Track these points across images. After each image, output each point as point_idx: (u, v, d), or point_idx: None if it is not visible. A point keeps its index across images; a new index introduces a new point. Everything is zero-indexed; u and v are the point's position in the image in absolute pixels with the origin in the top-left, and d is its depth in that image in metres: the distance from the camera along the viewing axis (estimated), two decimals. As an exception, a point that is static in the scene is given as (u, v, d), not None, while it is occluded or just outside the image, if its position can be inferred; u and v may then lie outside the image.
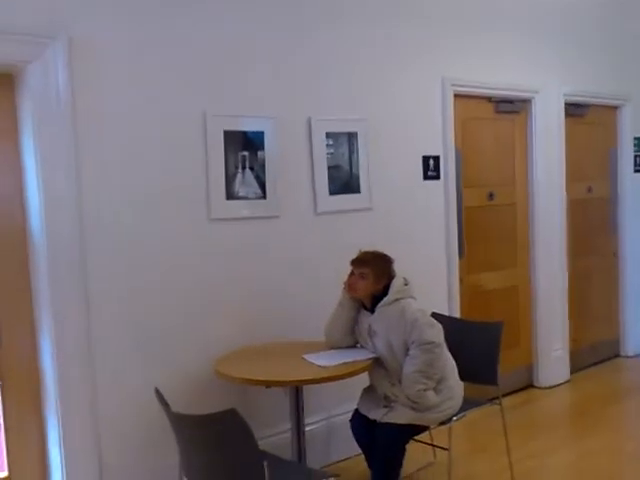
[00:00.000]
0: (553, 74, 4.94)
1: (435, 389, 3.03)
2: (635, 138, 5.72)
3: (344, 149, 3.81)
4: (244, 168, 3.42)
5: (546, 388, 4.98)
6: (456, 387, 3.15)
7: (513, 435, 3.60)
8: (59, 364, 2.87)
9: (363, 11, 3.86)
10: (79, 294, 2.90)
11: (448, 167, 4.33)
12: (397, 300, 3.07)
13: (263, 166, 3.47)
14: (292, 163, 3.59)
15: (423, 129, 4.21)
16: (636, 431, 4.32)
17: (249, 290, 3.44)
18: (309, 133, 3.65)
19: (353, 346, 3.23)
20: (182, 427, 2.47)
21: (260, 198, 3.48)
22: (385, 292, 3.09)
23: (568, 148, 5.11)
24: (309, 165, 3.66)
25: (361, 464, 3.30)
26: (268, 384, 2.95)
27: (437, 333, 3.03)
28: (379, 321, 3.09)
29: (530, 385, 5.00)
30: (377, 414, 3.06)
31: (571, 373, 5.18)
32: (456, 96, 4.35)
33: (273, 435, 3.37)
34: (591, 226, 5.52)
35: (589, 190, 5.47)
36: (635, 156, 5.74)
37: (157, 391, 2.58)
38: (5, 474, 2.93)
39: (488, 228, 4.72)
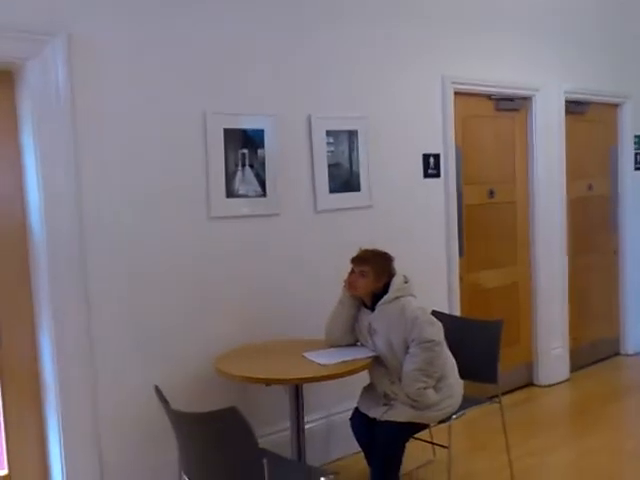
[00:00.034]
0: (553, 72, 4.93)
1: (435, 387, 3.03)
2: (636, 136, 5.71)
3: (344, 147, 3.81)
4: (244, 166, 3.42)
5: (546, 386, 4.98)
6: (456, 385, 3.15)
7: (513, 433, 3.60)
8: (59, 362, 2.86)
9: (363, 9, 3.85)
10: (79, 292, 2.90)
11: (448, 165, 4.33)
12: (397, 298, 3.07)
13: (263, 164, 3.47)
14: (292, 161, 3.59)
15: (423, 127, 4.21)
16: (636, 429, 4.32)
17: (249, 288, 3.44)
18: (309, 131, 3.64)
19: (353, 344, 3.22)
20: (182, 425, 2.47)
21: (260, 196, 3.47)
22: (385, 290, 3.09)
23: (568, 146, 5.11)
24: (309, 163, 3.66)
25: (361, 462, 3.30)
26: (268, 382, 2.95)
27: (437, 331, 3.03)
28: (379, 319, 3.09)
29: (530, 383, 5.00)
30: (377, 412, 3.06)
31: (571, 371, 5.18)
32: (456, 94, 4.35)
33: (273, 433, 3.37)
34: (591, 224, 5.52)
35: (589, 188, 5.47)
36: (635, 154, 5.73)
37: (157, 389, 2.58)
38: (5, 472, 2.93)
39: (488, 226, 4.72)
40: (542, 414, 4.54)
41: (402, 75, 4.06)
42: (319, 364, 2.95)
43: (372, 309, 3.13)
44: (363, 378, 3.20)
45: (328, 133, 3.71)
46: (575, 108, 5.20)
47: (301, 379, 2.93)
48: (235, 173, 3.38)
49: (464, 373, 3.21)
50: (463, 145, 4.49)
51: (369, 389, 3.24)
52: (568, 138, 5.10)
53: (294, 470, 2.81)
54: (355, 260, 3.15)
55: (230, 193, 3.36)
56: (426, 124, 4.22)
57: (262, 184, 3.47)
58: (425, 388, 2.97)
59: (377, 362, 3.08)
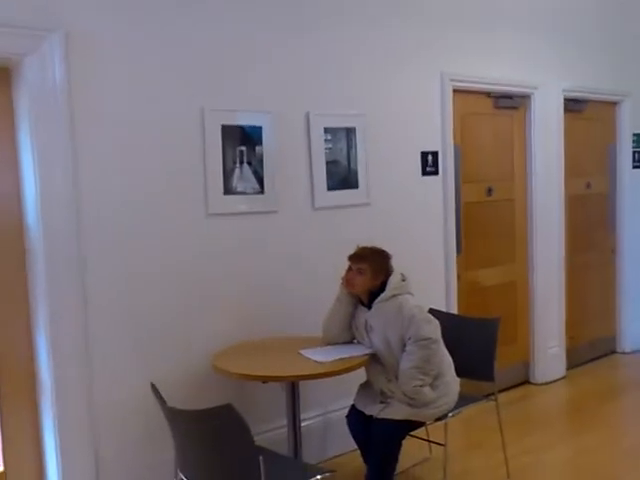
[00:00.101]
0: (552, 70, 4.92)
1: (431, 385, 3.03)
2: (634, 134, 5.71)
3: (342, 144, 3.80)
4: (242, 163, 3.41)
5: (542, 384, 4.98)
6: (452, 383, 3.15)
7: (509, 431, 3.61)
8: (55, 360, 2.86)
9: (362, 7, 3.84)
10: (76, 290, 2.89)
11: (447, 163, 4.33)
12: (394, 296, 3.07)
13: (261, 161, 3.47)
14: (290, 158, 3.59)
15: (422, 124, 4.20)
16: (632, 427, 4.33)
17: (247, 285, 3.44)
18: (307, 128, 3.64)
19: (350, 342, 3.23)
20: (178, 422, 2.47)
21: (258, 193, 3.47)
22: (382, 288, 3.09)
23: (567, 144, 5.10)
24: (307, 160, 3.66)
25: (357, 459, 3.31)
26: (265, 379, 2.95)
27: (434, 329, 3.04)
28: (376, 317, 3.09)
29: (526, 381, 5.01)
30: (373, 410, 3.07)
31: (568, 369, 5.19)
32: (455, 91, 4.34)
33: (269, 430, 3.37)
34: (589, 222, 5.52)
35: (588, 186, 5.47)
36: (634, 152, 5.73)
37: (153, 386, 2.59)
38: (1, 470, 2.93)
39: (486, 224, 4.72)
40: (538, 412, 4.55)
41: (400, 72, 4.05)
42: (316, 361, 2.95)
43: (369, 307, 3.13)
44: (360, 376, 3.21)
45: (326, 130, 3.71)
46: (574, 106, 5.19)
47: (298, 376, 2.93)
48: (233, 170, 3.38)
49: (461, 371, 3.22)
50: (462, 143, 4.49)
51: (366, 386, 3.24)
52: (566, 136, 5.09)
53: (290, 467, 2.81)
54: (353, 258, 3.15)
55: (228, 190, 3.36)
56: (424, 122, 4.21)
57: (260, 181, 3.47)
58: (422, 386, 2.98)
59: (374, 360, 3.09)
